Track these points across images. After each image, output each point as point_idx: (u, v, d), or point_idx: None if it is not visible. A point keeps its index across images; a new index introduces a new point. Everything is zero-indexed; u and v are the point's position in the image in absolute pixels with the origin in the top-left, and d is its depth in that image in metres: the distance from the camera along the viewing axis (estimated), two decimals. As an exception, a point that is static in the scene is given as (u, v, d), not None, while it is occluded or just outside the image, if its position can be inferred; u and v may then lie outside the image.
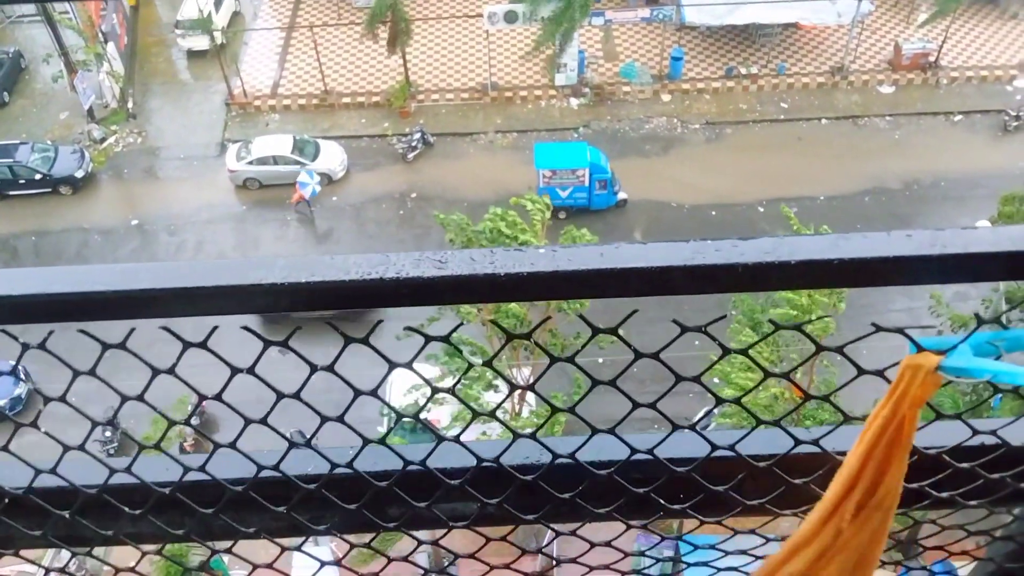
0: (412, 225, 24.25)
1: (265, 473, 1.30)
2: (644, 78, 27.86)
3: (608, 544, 1.58)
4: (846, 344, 1.11)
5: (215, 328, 1.13)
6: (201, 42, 28.36)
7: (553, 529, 1.60)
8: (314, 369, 1.12)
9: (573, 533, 1.53)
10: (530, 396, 16.89)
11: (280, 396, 1.18)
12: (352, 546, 1.52)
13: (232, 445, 1.25)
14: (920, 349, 1.07)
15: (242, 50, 29.44)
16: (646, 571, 1.87)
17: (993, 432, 1.24)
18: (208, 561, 10.84)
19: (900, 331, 1.06)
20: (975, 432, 1.24)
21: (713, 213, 23.86)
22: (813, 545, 1.26)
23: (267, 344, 1.11)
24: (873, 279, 1.06)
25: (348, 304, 1.10)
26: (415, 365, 1.13)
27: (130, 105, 27.97)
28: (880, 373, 1.13)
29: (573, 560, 1.62)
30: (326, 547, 12.55)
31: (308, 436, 1.32)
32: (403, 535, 1.51)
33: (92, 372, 1.16)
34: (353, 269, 1.08)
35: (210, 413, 19.42)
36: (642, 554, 1.80)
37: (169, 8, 31.22)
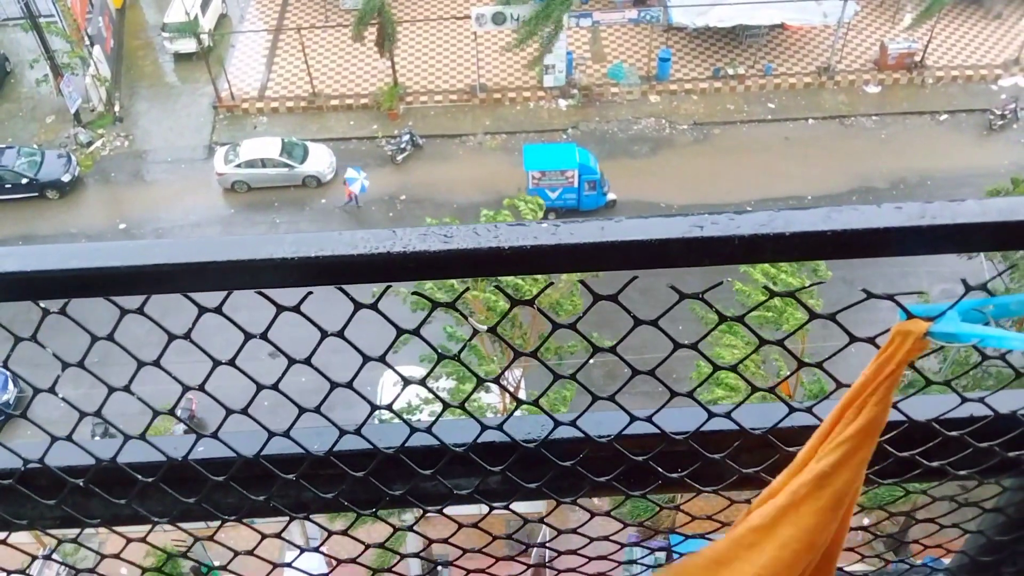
0: (402, 227, 24.20)
1: (246, 456, 1.33)
2: (632, 79, 27.97)
3: (606, 539, 1.62)
4: (839, 311, 1.14)
5: (200, 316, 1.16)
6: (188, 45, 28.27)
7: (551, 525, 1.64)
8: (295, 362, 1.16)
9: (574, 531, 1.56)
10: (522, 391, 16.92)
11: (280, 377, 1.21)
12: (364, 542, 1.54)
13: (215, 435, 1.28)
14: (910, 316, 1.10)
15: (229, 53, 29.37)
16: (640, 562, 1.90)
17: (981, 400, 1.28)
18: (200, 564, 10.83)
19: (890, 297, 1.10)
20: (964, 400, 1.28)
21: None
22: (778, 497, 1.24)
23: (247, 336, 1.15)
24: (865, 250, 1.10)
25: (356, 279, 1.13)
26: (406, 368, 1.18)
27: (117, 108, 27.86)
28: (871, 340, 1.17)
29: (572, 552, 1.65)
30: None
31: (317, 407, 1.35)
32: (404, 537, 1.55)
33: (81, 364, 1.19)
34: (361, 244, 1.11)
35: (200, 418, 19.34)
36: (635, 549, 1.84)
37: (156, 11, 31.12)
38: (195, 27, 27.63)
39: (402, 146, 25.91)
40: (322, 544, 1.59)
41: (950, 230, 1.08)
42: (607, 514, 1.54)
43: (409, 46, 29.07)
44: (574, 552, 1.65)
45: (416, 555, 1.90)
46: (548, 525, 1.90)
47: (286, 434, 1.29)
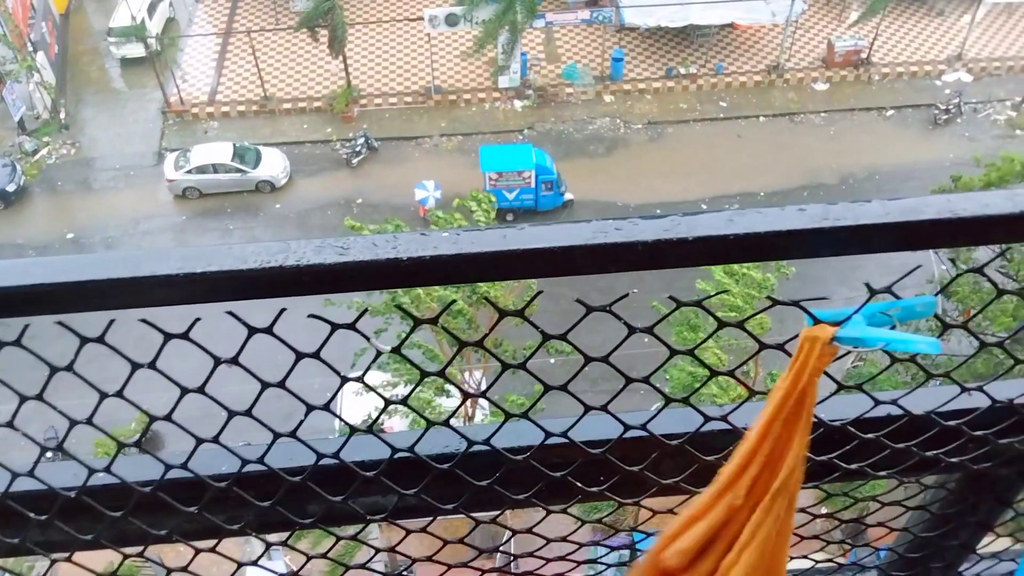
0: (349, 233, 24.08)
1: (175, 473, 1.27)
2: (586, 79, 28.10)
3: (564, 539, 1.58)
4: (747, 319, 1.12)
5: (162, 348, 1.10)
6: (135, 50, 27.69)
7: (511, 529, 1.60)
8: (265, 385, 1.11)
9: (530, 531, 1.52)
10: (483, 400, 16.85)
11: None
12: (308, 558, 1.49)
13: (137, 444, 1.22)
14: (817, 321, 1.09)
15: (178, 57, 28.86)
16: (601, 561, 1.87)
17: (894, 402, 1.27)
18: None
19: (796, 304, 1.09)
20: (877, 403, 1.27)
21: (658, 212, 24.11)
22: (705, 520, 1.22)
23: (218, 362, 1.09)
24: (769, 253, 1.08)
25: (248, 294, 1.08)
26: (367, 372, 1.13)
27: (62, 116, 27.20)
28: (781, 347, 1.15)
29: (530, 554, 1.62)
30: (280, 561, 12.35)
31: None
32: (362, 545, 1.50)
33: (39, 397, 1.13)
34: (251, 258, 1.06)
35: (154, 430, 18.95)
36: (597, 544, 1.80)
37: (101, 16, 30.45)
38: (142, 31, 27.08)
39: (357, 149, 25.70)
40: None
41: (853, 231, 1.06)
42: (563, 510, 1.50)
43: (362, 48, 28.86)
44: (532, 554, 1.62)
45: (363, 565, 1.84)
46: (502, 526, 1.86)
47: (184, 466, 1.24)
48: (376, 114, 27.41)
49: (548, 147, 25.36)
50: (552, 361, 16.47)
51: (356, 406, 13.89)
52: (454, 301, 14.77)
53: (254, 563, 1.59)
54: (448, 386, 15.66)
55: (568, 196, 24.27)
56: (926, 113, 27.18)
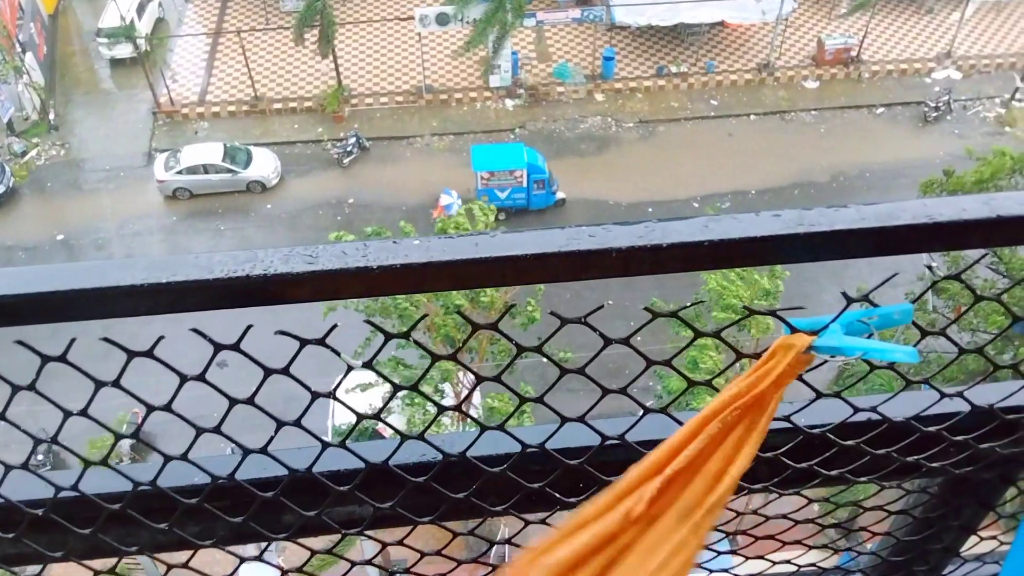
0: (350, 231, 23.99)
1: (144, 488, 1.25)
2: (577, 78, 28.09)
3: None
4: (722, 329, 1.11)
5: (158, 340, 1.08)
6: (124, 50, 27.56)
7: (491, 540, 1.58)
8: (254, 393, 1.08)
9: (508, 542, 1.50)
10: (476, 401, 16.83)
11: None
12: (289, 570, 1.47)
13: (103, 462, 1.20)
14: (793, 330, 1.07)
15: (168, 57, 28.74)
16: None
17: (873, 408, 1.26)
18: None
19: (772, 313, 1.07)
20: (856, 409, 1.25)
21: (650, 210, 24.18)
22: (588, 530, 1.04)
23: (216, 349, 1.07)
24: (744, 259, 1.07)
25: (215, 304, 1.06)
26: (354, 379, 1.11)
27: (52, 117, 27.06)
28: (758, 356, 1.14)
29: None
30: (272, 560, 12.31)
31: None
32: (357, 540, 1.48)
33: (32, 387, 1.10)
34: (217, 267, 1.04)
35: (146, 430, 18.88)
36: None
37: (90, 16, 30.29)
38: (131, 32, 26.94)
39: (348, 149, 25.63)
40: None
41: (828, 237, 1.05)
42: (542, 522, 1.49)
43: (353, 48, 28.79)
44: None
45: (352, 561, 1.82)
46: (484, 539, 1.85)
47: (153, 483, 1.22)
48: (367, 114, 27.35)
49: (540, 146, 25.34)
50: (545, 361, 16.42)
51: (354, 400, 13.85)
52: (425, 316, 14.77)
53: (257, 558, 1.57)
54: (443, 385, 15.66)
55: (560, 195, 24.26)
56: (916, 111, 27.26)
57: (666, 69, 28.34)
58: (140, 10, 28.47)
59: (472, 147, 24.86)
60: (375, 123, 27.05)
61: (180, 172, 24.43)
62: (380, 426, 15.56)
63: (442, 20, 26.48)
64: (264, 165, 24.90)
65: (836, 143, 26.28)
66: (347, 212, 24.53)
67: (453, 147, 26.35)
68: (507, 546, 1.51)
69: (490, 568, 1.65)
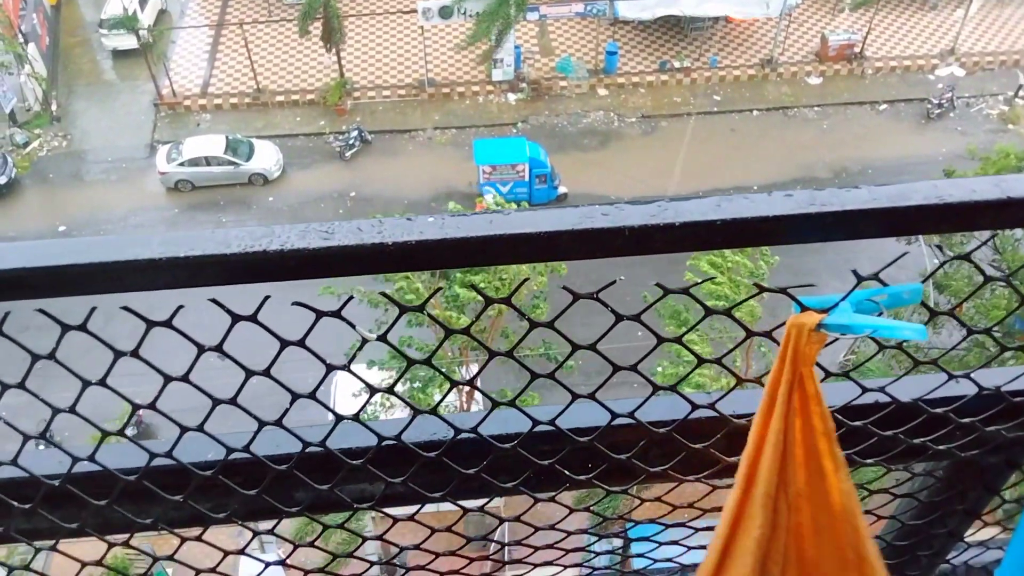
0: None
1: (160, 461, 1.27)
2: (580, 73, 28.04)
3: (552, 527, 1.58)
4: (735, 305, 1.12)
5: (144, 337, 1.09)
6: (127, 41, 27.53)
7: (500, 518, 1.59)
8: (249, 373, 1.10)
9: (518, 519, 1.52)
10: (477, 397, 16.87)
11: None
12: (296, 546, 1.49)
13: (121, 432, 1.21)
14: (804, 308, 1.08)
15: (170, 49, 28.70)
16: (591, 548, 1.88)
17: (881, 389, 1.27)
18: (150, 570, 10.56)
19: (783, 291, 1.08)
20: (865, 390, 1.26)
21: (651, 203, 24.17)
22: (742, 540, 1.22)
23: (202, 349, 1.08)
24: (756, 238, 1.08)
25: (231, 279, 1.07)
26: (360, 371, 1.12)
27: (54, 108, 27.04)
28: (768, 334, 1.15)
29: (519, 543, 1.61)
30: (272, 554, 12.36)
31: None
32: (353, 533, 1.49)
33: (22, 385, 1.11)
34: (235, 243, 1.05)
35: (147, 423, 18.93)
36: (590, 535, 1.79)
37: (92, 7, 30.25)
38: (133, 23, 26.91)
39: (350, 142, 25.62)
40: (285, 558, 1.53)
41: (840, 217, 1.06)
42: (551, 499, 1.50)
43: (356, 41, 28.73)
44: (520, 543, 1.61)
45: (347, 554, 1.84)
46: (494, 515, 1.85)
47: (169, 454, 1.23)
48: (369, 107, 27.32)
49: (542, 140, 25.32)
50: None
51: (353, 405, 13.87)
52: (439, 289, 14.76)
53: (265, 550, 1.58)
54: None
55: (562, 189, 24.24)
56: (919, 107, 27.21)
57: (669, 64, 28.30)
58: (142, 1, 28.44)
59: (474, 141, 24.84)
60: (377, 116, 27.02)
61: (182, 164, 24.43)
62: (383, 417, 15.59)
63: (445, 13, 26.43)
64: (266, 158, 24.89)
65: (839, 139, 26.25)
66: (349, 205, 24.53)
67: (455, 141, 26.33)
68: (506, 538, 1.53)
69: (493, 562, 1.66)
